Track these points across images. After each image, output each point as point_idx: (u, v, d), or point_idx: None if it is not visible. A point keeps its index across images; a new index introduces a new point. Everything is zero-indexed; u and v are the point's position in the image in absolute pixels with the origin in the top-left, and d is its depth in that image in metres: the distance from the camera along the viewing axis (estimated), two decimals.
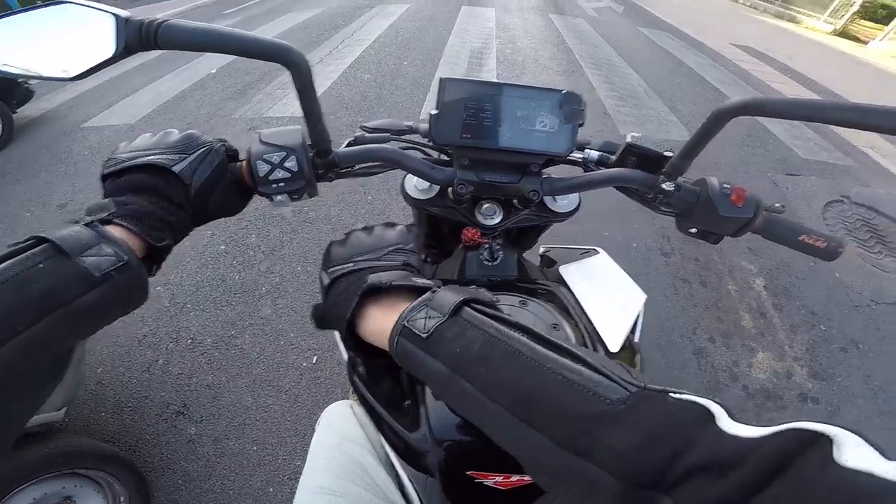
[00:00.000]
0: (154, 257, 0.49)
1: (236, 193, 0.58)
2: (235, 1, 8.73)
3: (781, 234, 0.68)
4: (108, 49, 0.42)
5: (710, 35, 8.84)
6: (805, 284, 2.82)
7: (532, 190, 0.67)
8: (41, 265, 0.37)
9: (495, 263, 0.78)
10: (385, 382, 0.66)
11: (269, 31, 6.34)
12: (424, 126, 0.70)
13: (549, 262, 0.94)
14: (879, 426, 2.07)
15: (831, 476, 0.22)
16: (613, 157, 0.74)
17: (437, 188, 0.80)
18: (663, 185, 0.66)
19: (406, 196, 0.82)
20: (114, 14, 0.42)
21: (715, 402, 0.29)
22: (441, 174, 0.67)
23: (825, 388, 2.20)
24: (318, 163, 0.60)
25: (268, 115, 4.03)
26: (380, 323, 0.44)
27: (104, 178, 0.50)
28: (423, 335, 0.39)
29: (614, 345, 0.66)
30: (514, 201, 0.74)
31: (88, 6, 0.43)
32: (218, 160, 0.53)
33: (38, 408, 0.40)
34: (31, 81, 3.67)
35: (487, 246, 0.78)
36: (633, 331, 0.80)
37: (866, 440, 0.24)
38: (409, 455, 0.61)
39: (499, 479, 0.55)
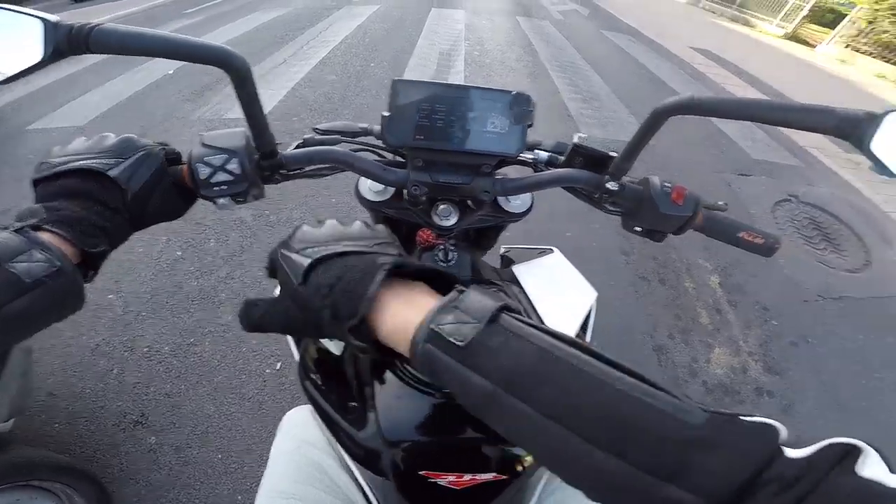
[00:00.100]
0: (89, 263, 0.48)
1: (178, 197, 0.57)
2: (197, 0, 8.52)
3: (721, 231, 0.70)
4: (37, 54, 0.41)
5: (670, 38, 9.11)
6: (757, 281, 2.94)
7: (484, 190, 0.68)
8: None
9: (450, 264, 0.79)
10: (337, 386, 0.66)
11: (231, 32, 6.23)
12: (378, 128, 0.70)
13: (508, 263, 0.95)
14: (831, 420, 2.17)
15: (850, 483, 0.25)
16: (562, 158, 0.75)
17: (391, 190, 0.80)
18: (608, 185, 0.67)
19: (360, 198, 0.82)
20: (41, 19, 0.41)
21: (777, 422, 0.30)
22: (394, 176, 0.66)
23: (779, 383, 2.30)
24: (263, 165, 0.59)
25: (228, 117, 3.93)
26: (397, 318, 0.39)
27: (35, 183, 0.49)
28: (458, 343, 0.34)
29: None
30: (469, 202, 0.74)
31: (14, 11, 0.43)
32: (157, 164, 0.52)
33: None
34: None
35: (442, 247, 0.79)
36: (584, 328, 0.82)
37: (881, 455, 0.27)
38: (363, 457, 0.60)
39: (452, 478, 0.55)
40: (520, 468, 0.58)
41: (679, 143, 4.48)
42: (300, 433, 0.78)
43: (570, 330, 0.71)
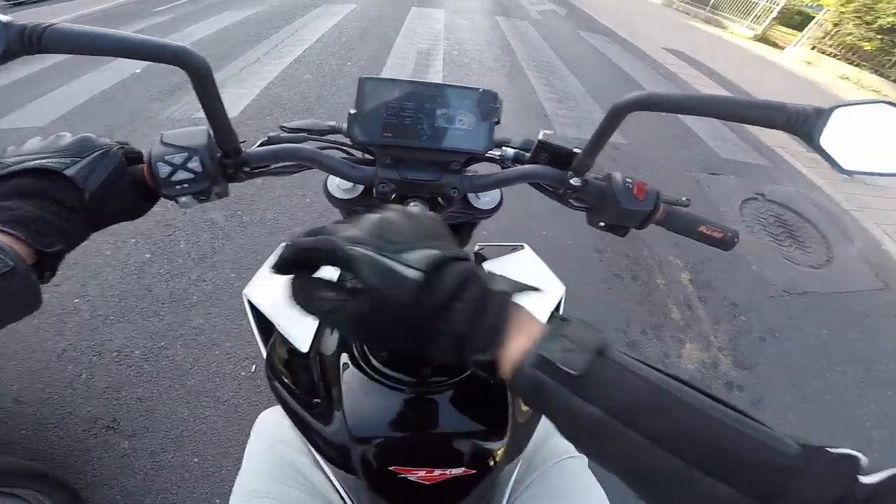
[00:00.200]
0: (45, 264, 0.47)
1: (138, 196, 0.56)
2: None
3: (682, 226, 0.71)
4: None
5: (644, 39, 9.23)
6: (726, 277, 3.02)
7: (453, 187, 0.68)
8: None
9: None
10: (305, 384, 0.66)
11: (202, 31, 6.11)
12: (346, 126, 0.69)
13: (481, 260, 0.95)
14: (798, 414, 2.25)
15: None
16: (528, 155, 0.76)
17: (361, 188, 0.79)
18: (571, 181, 0.68)
19: (329, 196, 0.81)
20: None
21: (858, 453, 0.33)
22: (362, 173, 0.66)
23: (748, 377, 2.37)
24: (226, 163, 0.59)
25: (197, 117, 3.82)
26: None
27: None
28: (571, 372, 0.34)
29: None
30: (439, 199, 0.73)
31: None
32: (115, 163, 0.51)
33: None
34: None
35: None
36: None
37: None
38: (332, 455, 0.60)
39: (422, 473, 0.55)
40: (491, 462, 0.58)
41: (651, 143, 4.58)
42: (274, 433, 0.78)
43: None
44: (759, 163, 4.71)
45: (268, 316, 0.71)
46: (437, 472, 0.55)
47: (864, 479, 0.31)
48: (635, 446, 0.33)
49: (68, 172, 0.47)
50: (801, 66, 10.82)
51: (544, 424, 0.87)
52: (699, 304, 2.76)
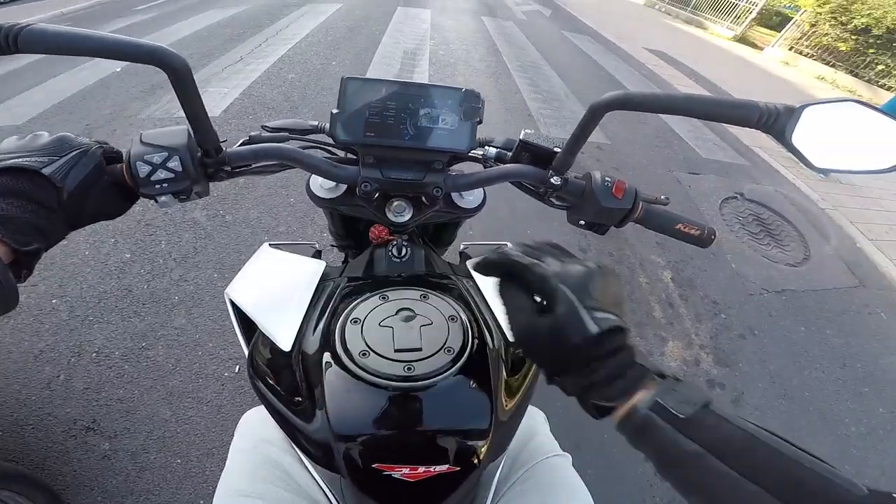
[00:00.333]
0: (22, 262, 0.47)
1: (117, 196, 0.56)
2: None
3: (660, 224, 0.72)
4: None
5: (627, 40, 9.34)
6: (706, 275, 3.07)
7: (436, 186, 0.69)
8: None
9: (403, 259, 0.80)
10: (287, 383, 0.65)
11: (184, 30, 6.02)
12: (328, 126, 0.70)
13: (466, 259, 0.96)
14: (779, 411, 2.29)
15: None
16: (510, 154, 0.76)
17: (343, 187, 0.80)
18: (552, 180, 0.69)
19: (312, 196, 0.82)
20: None
21: None
22: (344, 172, 0.67)
23: (729, 374, 2.41)
24: (207, 162, 0.59)
25: (179, 115, 3.72)
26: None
27: None
28: (680, 416, 0.41)
29: (512, 335, 0.69)
30: (423, 198, 0.74)
31: None
32: (94, 162, 0.51)
33: None
34: None
35: (395, 243, 0.80)
36: None
37: None
38: (315, 453, 0.60)
39: (406, 471, 0.55)
40: (475, 460, 0.58)
41: (633, 143, 4.64)
42: (258, 432, 0.77)
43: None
44: (739, 162, 4.80)
45: (250, 315, 0.71)
46: (422, 469, 0.55)
47: None
48: (725, 478, 0.39)
49: (46, 171, 0.47)
50: (779, 67, 11.05)
51: (528, 423, 0.88)
52: (681, 303, 2.80)
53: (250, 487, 0.68)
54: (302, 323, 0.68)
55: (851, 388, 2.51)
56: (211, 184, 0.63)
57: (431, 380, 0.57)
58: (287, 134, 0.77)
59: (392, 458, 0.55)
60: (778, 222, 3.82)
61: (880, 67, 9.67)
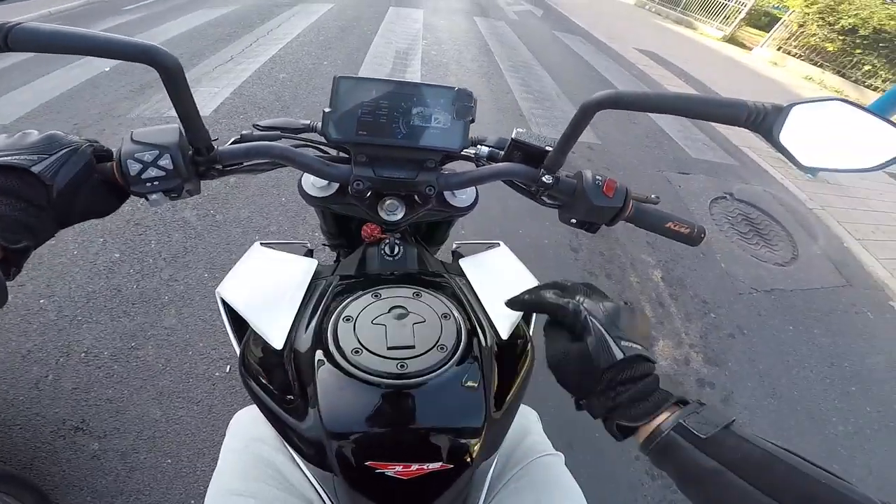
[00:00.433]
0: (11, 260, 0.47)
1: (107, 194, 0.56)
2: None
3: (650, 222, 0.73)
4: None
5: (618, 40, 9.38)
6: (696, 275, 3.10)
7: (428, 185, 0.69)
8: None
9: (396, 258, 0.80)
10: (280, 381, 0.65)
11: (172, 30, 5.95)
12: (320, 124, 0.70)
13: (458, 257, 0.97)
14: (768, 410, 2.32)
15: None
16: (502, 153, 0.77)
17: (335, 186, 0.80)
18: (544, 178, 0.69)
19: (304, 194, 0.82)
20: None
21: None
22: (336, 171, 0.67)
23: (718, 374, 2.43)
24: (198, 160, 0.59)
25: (169, 115, 3.71)
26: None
27: None
28: (701, 436, 0.45)
29: (504, 332, 0.69)
30: (416, 197, 0.74)
31: None
32: (84, 160, 0.51)
33: None
34: None
35: (388, 241, 0.80)
36: (528, 321, 0.84)
37: None
38: (307, 451, 0.60)
39: (399, 468, 0.55)
40: (468, 458, 0.58)
41: (624, 143, 4.67)
42: (250, 432, 0.77)
43: (512, 321, 0.72)
44: (728, 162, 4.84)
45: (241, 314, 0.71)
46: (415, 466, 0.55)
47: None
48: (744, 494, 0.41)
49: (35, 169, 0.47)
50: (768, 67, 11.16)
51: (521, 422, 0.89)
52: (671, 302, 2.82)
53: (242, 486, 0.68)
54: (294, 321, 0.67)
55: (839, 388, 2.54)
56: (202, 182, 0.63)
57: (424, 377, 0.57)
58: (279, 132, 0.77)
59: (385, 455, 0.55)
60: (767, 222, 3.86)
61: (867, 68, 9.78)
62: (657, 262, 3.11)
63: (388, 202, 0.76)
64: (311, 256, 0.83)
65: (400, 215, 0.77)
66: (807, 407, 2.38)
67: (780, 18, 12.03)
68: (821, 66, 10.71)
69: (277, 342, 0.65)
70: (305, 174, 0.80)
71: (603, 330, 0.50)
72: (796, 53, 11.29)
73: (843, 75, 10.27)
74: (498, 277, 0.82)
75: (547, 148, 0.71)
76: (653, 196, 0.74)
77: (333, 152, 0.80)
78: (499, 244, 0.96)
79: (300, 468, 0.71)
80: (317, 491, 0.69)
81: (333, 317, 0.62)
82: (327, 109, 0.64)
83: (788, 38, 11.48)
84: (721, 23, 13.57)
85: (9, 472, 1.33)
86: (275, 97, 4.27)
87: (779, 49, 11.71)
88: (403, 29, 7.28)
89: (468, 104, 0.66)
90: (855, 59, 9.99)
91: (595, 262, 2.96)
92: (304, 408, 0.59)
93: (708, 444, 0.44)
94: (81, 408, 1.75)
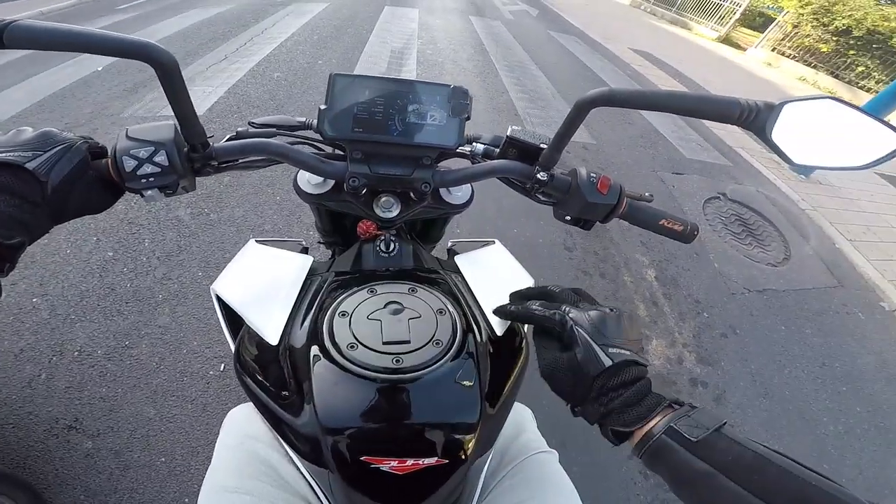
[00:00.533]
0: (5, 256, 0.48)
1: (102, 190, 0.56)
2: None
3: (644, 220, 0.73)
4: None
5: (613, 40, 9.42)
6: (689, 274, 3.11)
7: (424, 182, 0.69)
8: None
9: (391, 254, 0.80)
10: (275, 377, 0.65)
11: (167, 28, 5.92)
12: (315, 122, 0.70)
13: (454, 255, 0.97)
14: (760, 409, 2.33)
15: None
16: (498, 150, 0.77)
17: (331, 183, 0.80)
18: (539, 175, 0.70)
19: (299, 191, 0.82)
20: None
21: None
22: (332, 168, 0.67)
23: (711, 373, 2.44)
24: (194, 157, 0.59)
25: (163, 114, 3.70)
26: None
27: None
28: (692, 439, 0.45)
29: (499, 329, 0.69)
30: (411, 194, 0.74)
31: None
32: (79, 157, 0.51)
33: None
34: None
35: (383, 238, 0.80)
36: None
37: None
38: (302, 447, 0.60)
39: (394, 463, 0.55)
40: (463, 454, 0.58)
41: (618, 143, 4.69)
42: (244, 429, 0.77)
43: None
44: (722, 163, 4.87)
45: (237, 310, 0.71)
46: (410, 462, 0.55)
47: None
48: (736, 496, 0.42)
49: (30, 166, 0.47)
50: (762, 68, 11.23)
51: (515, 420, 0.89)
52: (664, 301, 2.84)
53: (237, 483, 0.67)
54: (289, 317, 0.68)
55: (830, 388, 2.56)
56: (197, 179, 0.63)
57: (420, 372, 0.57)
58: (274, 130, 0.77)
59: (380, 450, 0.55)
60: (759, 222, 3.89)
61: (860, 69, 9.86)
62: (651, 261, 3.12)
63: (383, 199, 0.76)
64: (307, 254, 0.83)
65: (395, 212, 0.77)
66: (798, 407, 2.40)
67: (775, 19, 12.09)
68: (815, 67, 10.79)
69: (273, 338, 0.65)
70: (301, 171, 0.80)
71: (589, 339, 0.51)
72: (790, 54, 11.36)
73: (836, 76, 10.34)
74: (493, 275, 0.82)
75: (542, 145, 0.71)
76: (647, 194, 0.75)
77: (329, 149, 0.80)
78: (494, 242, 0.96)
79: (295, 465, 0.71)
80: (312, 487, 0.69)
81: (329, 312, 0.62)
82: (323, 106, 0.64)
83: (783, 39, 11.55)
84: (716, 23, 13.63)
85: (1, 471, 1.34)
86: (269, 96, 4.25)
87: (773, 50, 11.79)
88: (399, 28, 7.26)
89: (464, 101, 0.66)
90: (849, 61, 10.07)
91: (589, 262, 2.97)
92: (300, 403, 0.59)
93: (699, 447, 0.45)
94: (75, 406, 1.74)
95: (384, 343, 0.58)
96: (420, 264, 0.83)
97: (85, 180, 0.53)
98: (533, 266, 0.92)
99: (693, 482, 0.45)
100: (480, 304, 0.74)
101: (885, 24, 9.32)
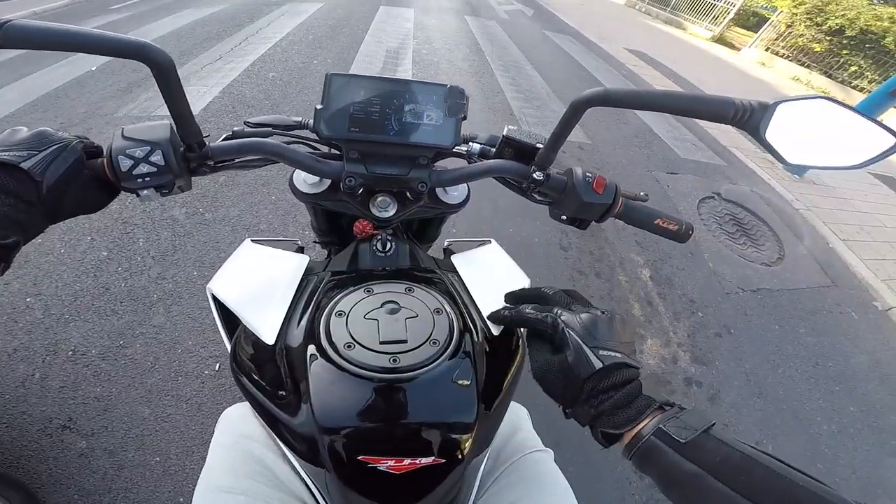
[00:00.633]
0: (0, 255, 0.47)
1: (97, 190, 0.56)
2: None
3: (639, 219, 0.73)
4: None
5: (608, 40, 9.44)
6: (684, 274, 3.13)
7: (420, 182, 0.69)
8: None
9: (388, 254, 0.80)
10: (271, 377, 0.65)
11: (161, 28, 5.89)
12: (313, 122, 0.70)
13: (450, 254, 0.98)
14: (754, 408, 2.34)
15: None
16: (494, 150, 0.78)
17: (327, 182, 0.80)
18: (535, 175, 0.70)
19: (295, 191, 0.82)
20: None
21: None
22: (328, 167, 0.67)
23: (705, 373, 2.45)
24: (190, 157, 0.59)
25: (158, 114, 3.68)
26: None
27: None
28: (681, 440, 0.45)
29: (495, 328, 0.69)
30: (407, 193, 0.74)
31: None
32: (74, 156, 0.51)
33: None
34: None
35: (380, 237, 0.80)
36: None
37: None
38: (299, 446, 0.60)
39: (391, 463, 0.54)
40: (460, 453, 0.58)
41: (613, 143, 4.71)
42: (239, 428, 0.77)
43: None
44: (716, 163, 4.89)
45: (233, 309, 0.70)
46: (407, 461, 0.55)
47: None
48: (723, 496, 0.42)
49: (25, 165, 0.47)
50: (756, 68, 11.29)
51: (511, 419, 0.89)
52: (659, 301, 2.85)
53: (232, 483, 0.67)
54: (286, 316, 0.67)
55: (823, 387, 2.58)
56: (192, 179, 0.63)
57: (417, 371, 0.57)
58: (270, 129, 0.77)
59: (377, 450, 0.55)
60: (754, 222, 3.91)
61: (853, 69, 9.93)
62: (646, 261, 3.14)
63: (379, 199, 0.76)
64: (302, 253, 0.83)
65: (392, 212, 0.77)
66: (792, 406, 2.41)
67: (769, 19, 12.14)
68: (808, 66, 10.85)
69: (269, 338, 0.65)
70: (297, 171, 0.80)
71: (580, 342, 0.52)
72: (784, 54, 11.42)
73: (829, 76, 10.40)
74: (489, 274, 0.82)
75: (538, 145, 0.72)
76: (642, 193, 0.75)
77: (325, 149, 0.80)
78: (490, 241, 0.97)
79: (290, 464, 0.71)
80: (308, 487, 0.69)
81: (325, 312, 0.62)
82: (319, 106, 0.64)
83: (776, 39, 11.61)
84: (710, 23, 13.69)
85: None
86: (264, 96, 4.24)
87: (767, 49, 11.84)
88: (394, 28, 7.25)
89: (460, 101, 0.66)
90: (842, 60, 10.13)
91: (584, 261, 2.98)
92: (296, 403, 0.59)
93: (688, 448, 0.45)
94: (69, 406, 1.74)
95: (381, 342, 0.58)
96: (417, 264, 0.83)
97: (80, 180, 0.53)
98: (529, 266, 0.93)
99: (682, 483, 0.45)
100: (477, 303, 0.74)
101: (878, 23, 9.38)
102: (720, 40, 13.39)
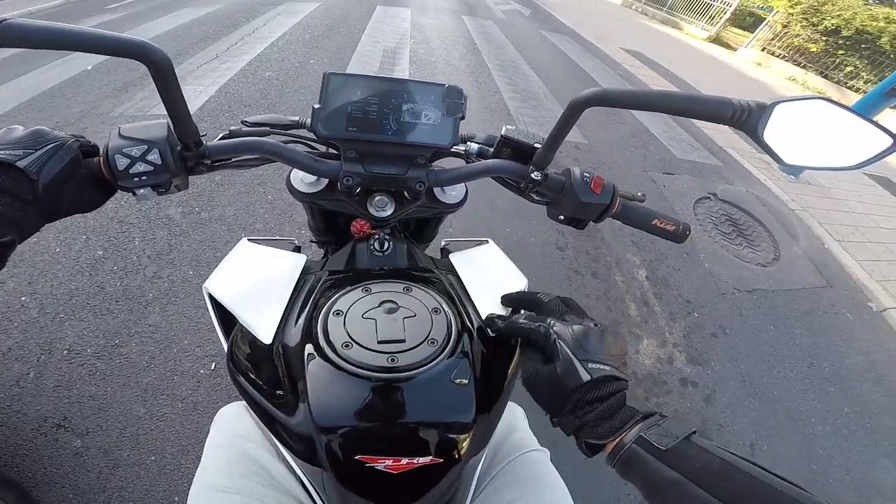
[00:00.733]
0: None
1: (94, 189, 0.56)
2: None
3: (637, 219, 0.74)
4: None
5: (605, 40, 9.48)
6: (680, 274, 3.14)
7: (418, 181, 0.69)
8: None
9: (385, 253, 0.80)
10: (268, 376, 0.64)
11: (157, 27, 5.86)
12: (310, 121, 0.69)
13: (447, 254, 0.98)
14: (749, 409, 2.35)
15: None
16: (492, 150, 0.78)
17: (324, 182, 0.80)
18: (533, 175, 0.70)
19: (292, 190, 0.81)
20: None
21: None
22: (326, 167, 0.67)
23: (701, 373, 2.46)
24: (187, 156, 0.59)
25: (154, 113, 3.68)
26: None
27: None
28: (661, 448, 0.46)
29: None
30: (405, 193, 0.74)
31: None
32: (70, 155, 0.51)
33: None
34: None
35: (377, 237, 0.79)
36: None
37: None
38: (296, 446, 0.59)
39: (389, 462, 0.54)
40: (457, 453, 0.58)
41: (610, 143, 4.72)
42: (234, 428, 0.77)
43: (502, 315, 0.73)
44: (712, 163, 4.91)
45: (229, 309, 0.70)
46: (404, 461, 0.55)
47: None
48: (704, 503, 0.42)
49: (20, 164, 0.47)
50: (752, 68, 11.34)
51: (507, 418, 0.90)
52: (655, 301, 2.85)
53: (227, 483, 0.67)
54: (283, 316, 0.67)
55: (818, 388, 2.59)
56: (189, 178, 0.63)
57: (415, 371, 0.57)
58: (268, 128, 0.77)
59: (375, 449, 0.55)
60: (749, 223, 3.92)
61: (849, 69, 9.96)
62: (642, 261, 3.14)
63: (377, 198, 0.76)
64: (299, 253, 0.83)
65: (389, 211, 0.77)
66: (787, 407, 2.42)
67: (765, 19, 12.18)
68: (804, 67, 10.90)
69: (266, 337, 0.65)
70: (294, 170, 0.80)
71: (570, 353, 0.52)
72: (780, 54, 11.47)
73: (825, 76, 10.45)
74: (487, 274, 0.82)
75: (536, 145, 0.72)
76: (639, 194, 0.75)
77: (323, 148, 0.80)
78: (487, 241, 0.97)
79: (286, 464, 0.71)
80: (304, 487, 0.69)
81: (323, 311, 0.62)
82: (317, 105, 0.64)
83: (772, 39, 11.65)
84: (706, 23, 13.74)
85: None
86: (261, 95, 4.22)
87: (763, 50, 11.89)
88: (391, 28, 7.24)
89: (458, 101, 0.66)
90: (837, 61, 10.18)
91: (581, 261, 2.99)
92: (294, 402, 0.59)
93: (668, 455, 0.45)
94: (64, 405, 1.73)
95: (379, 342, 0.58)
96: (414, 263, 0.83)
97: (76, 178, 0.53)
98: (525, 265, 0.93)
99: (663, 490, 0.46)
100: (475, 303, 0.74)
101: (874, 24, 9.42)
102: (716, 40, 13.44)
